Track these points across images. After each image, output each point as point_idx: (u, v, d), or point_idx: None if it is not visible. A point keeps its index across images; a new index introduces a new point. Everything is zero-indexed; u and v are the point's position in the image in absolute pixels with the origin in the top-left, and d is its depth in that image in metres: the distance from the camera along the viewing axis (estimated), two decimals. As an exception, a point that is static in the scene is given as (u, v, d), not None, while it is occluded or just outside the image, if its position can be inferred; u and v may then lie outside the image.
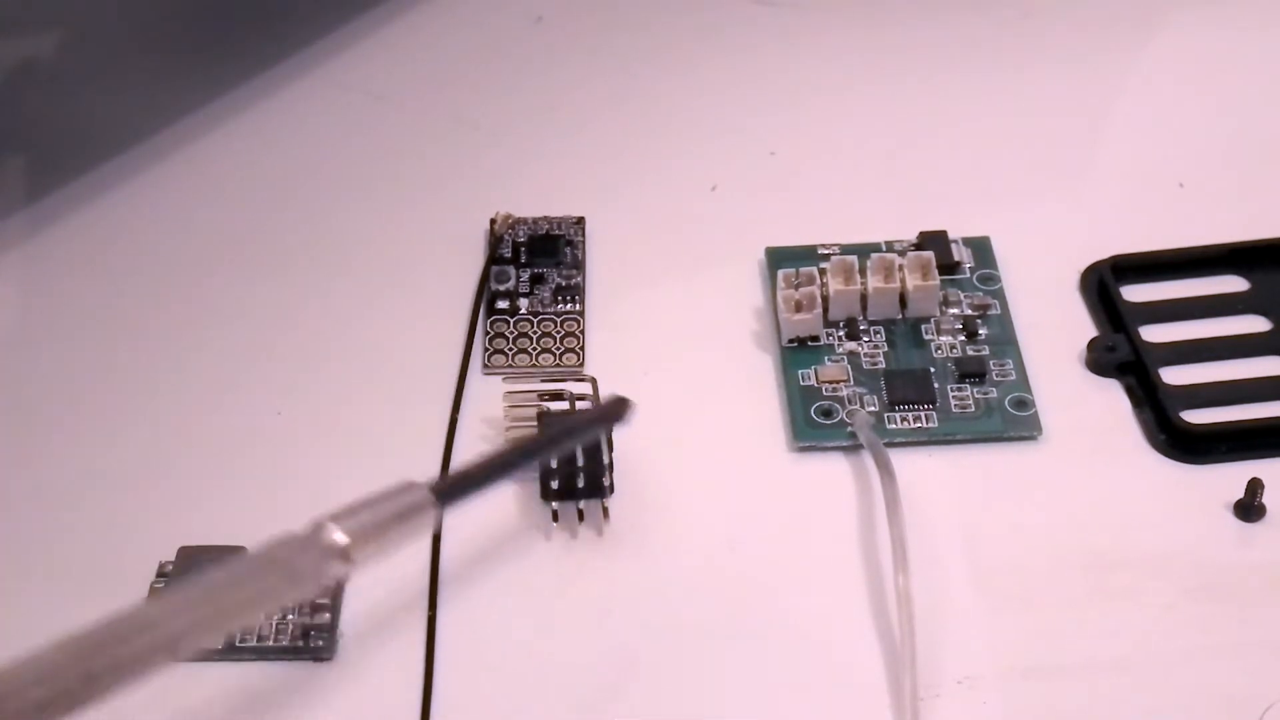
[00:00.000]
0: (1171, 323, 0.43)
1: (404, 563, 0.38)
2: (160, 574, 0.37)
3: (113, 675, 0.27)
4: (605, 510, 0.38)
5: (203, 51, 0.52)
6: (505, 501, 0.39)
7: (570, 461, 0.38)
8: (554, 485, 0.38)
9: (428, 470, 0.40)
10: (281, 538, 0.30)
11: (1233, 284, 0.44)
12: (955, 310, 0.43)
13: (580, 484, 0.38)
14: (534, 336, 0.43)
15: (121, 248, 0.46)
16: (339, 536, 0.30)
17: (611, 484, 0.38)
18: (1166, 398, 0.40)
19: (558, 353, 0.43)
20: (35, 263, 0.46)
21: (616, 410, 0.37)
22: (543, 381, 0.40)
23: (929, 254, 0.43)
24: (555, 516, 0.38)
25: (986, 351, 0.42)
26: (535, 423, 0.39)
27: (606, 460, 0.38)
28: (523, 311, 0.44)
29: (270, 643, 0.36)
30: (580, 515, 0.38)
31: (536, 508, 0.39)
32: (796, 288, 0.42)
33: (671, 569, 0.38)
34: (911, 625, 0.35)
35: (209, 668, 0.36)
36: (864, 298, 0.42)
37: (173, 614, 0.28)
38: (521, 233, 0.46)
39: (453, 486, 0.33)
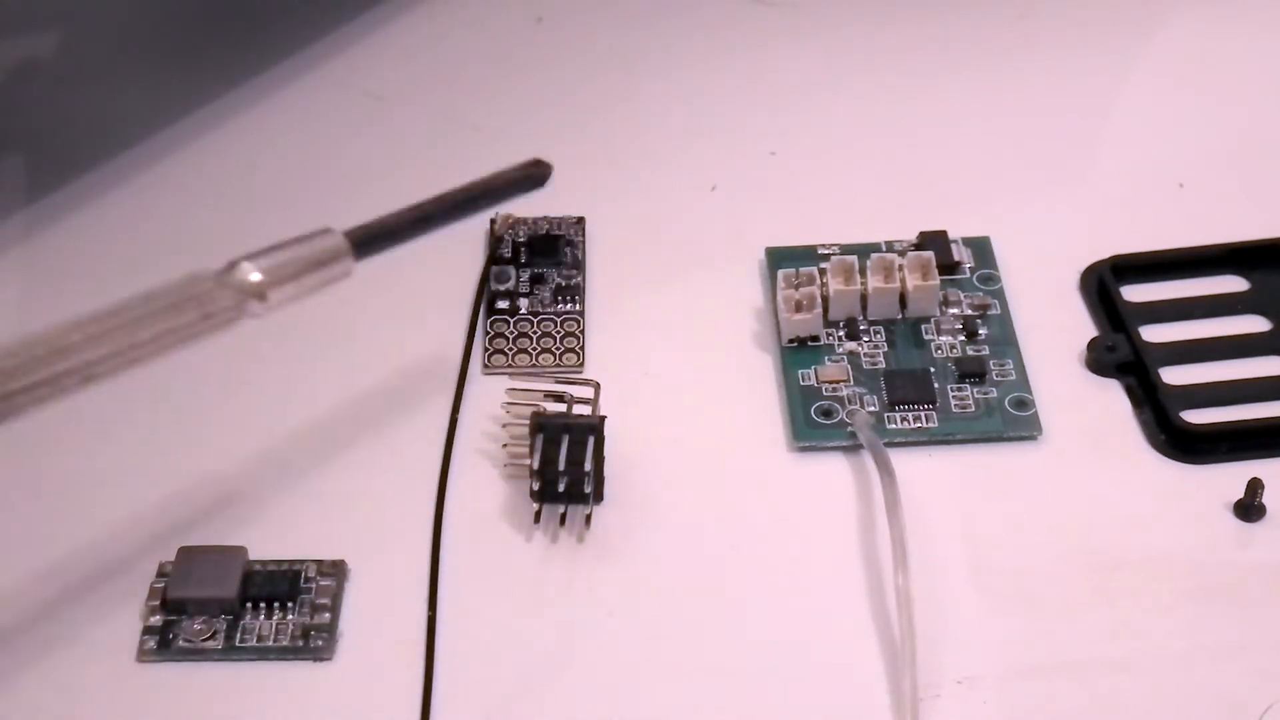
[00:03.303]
0: (1171, 323, 0.43)
1: (404, 563, 0.38)
2: (160, 574, 0.37)
3: (27, 395, 0.28)
4: (588, 518, 0.38)
5: (203, 51, 0.52)
6: (507, 503, 0.39)
7: (576, 467, 0.38)
8: (560, 488, 0.38)
9: (428, 471, 0.40)
10: (196, 273, 0.30)
11: (1233, 284, 0.44)
12: (955, 310, 0.43)
13: (585, 489, 0.38)
14: (534, 336, 0.43)
15: (121, 248, 0.46)
16: (255, 275, 0.30)
17: (600, 491, 0.39)
18: (1166, 398, 0.40)
19: (558, 353, 0.43)
20: (35, 263, 0.46)
21: (536, 172, 0.36)
22: (555, 382, 0.40)
23: (929, 254, 0.43)
24: (559, 519, 0.38)
25: (986, 351, 0.42)
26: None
27: (588, 467, 0.38)
28: (523, 311, 0.44)
29: (270, 643, 0.36)
30: (588, 520, 0.38)
31: (544, 511, 0.39)
32: (796, 288, 0.42)
33: (672, 569, 0.38)
34: (911, 625, 0.35)
35: (209, 668, 0.36)
36: (864, 298, 0.42)
37: (87, 341, 0.28)
38: (521, 233, 0.46)
39: (369, 235, 0.32)
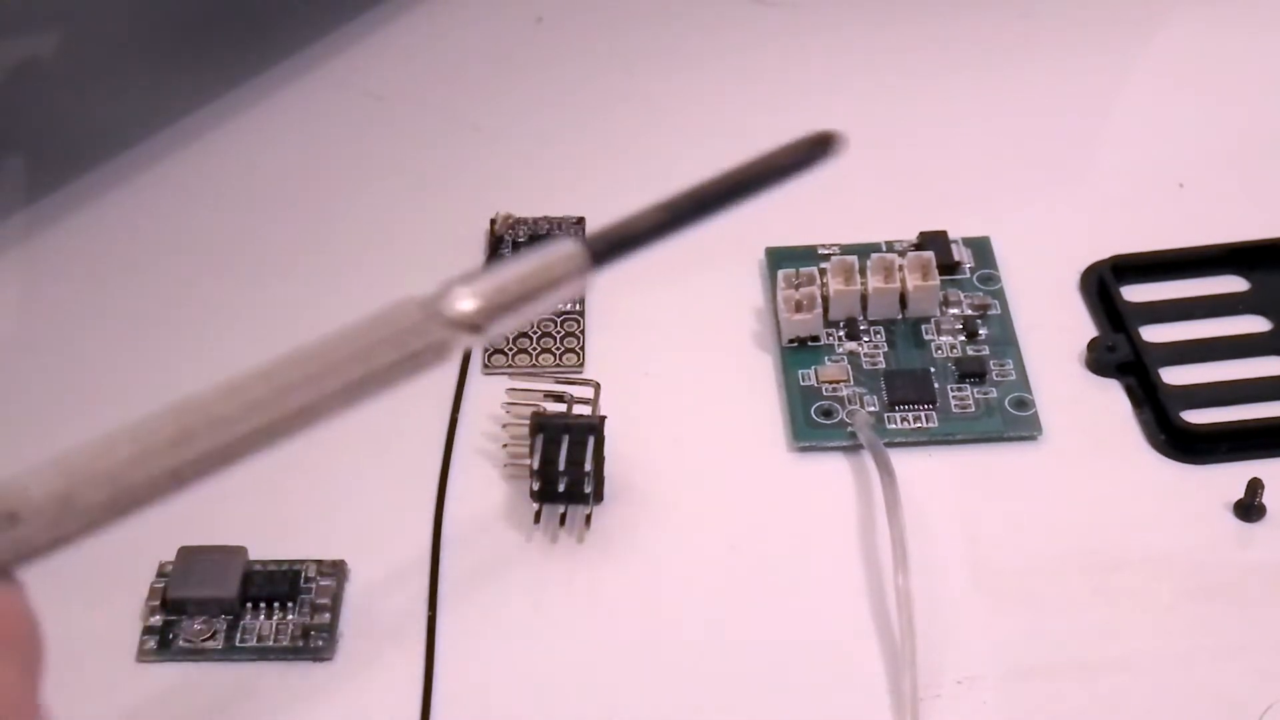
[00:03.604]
0: (1171, 323, 0.43)
1: (404, 563, 0.38)
2: (160, 574, 0.37)
3: (221, 456, 0.25)
4: (588, 518, 0.38)
5: (202, 52, 0.52)
6: (507, 503, 0.39)
7: (576, 467, 0.38)
8: (560, 488, 0.38)
9: (428, 471, 0.40)
10: (399, 303, 0.25)
11: (1233, 284, 0.44)
12: (955, 310, 0.43)
13: (585, 489, 0.38)
14: (534, 336, 0.43)
15: (121, 248, 0.46)
16: (466, 303, 0.25)
17: (600, 491, 0.39)
18: (1166, 398, 0.40)
19: (558, 353, 0.43)
20: (35, 263, 0.46)
21: (823, 144, 0.30)
22: (555, 382, 0.40)
23: (929, 254, 0.43)
24: (559, 519, 0.38)
25: (986, 351, 0.42)
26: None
27: (588, 467, 0.38)
28: (523, 311, 0.44)
29: (270, 643, 0.36)
30: (588, 520, 0.38)
31: (544, 511, 0.39)
32: (797, 288, 0.42)
33: (672, 569, 0.38)
34: (911, 625, 0.35)
35: (209, 668, 0.36)
36: (864, 298, 0.42)
37: (277, 397, 0.25)
38: (521, 233, 0.46)
39: (611, 243, 0.28)
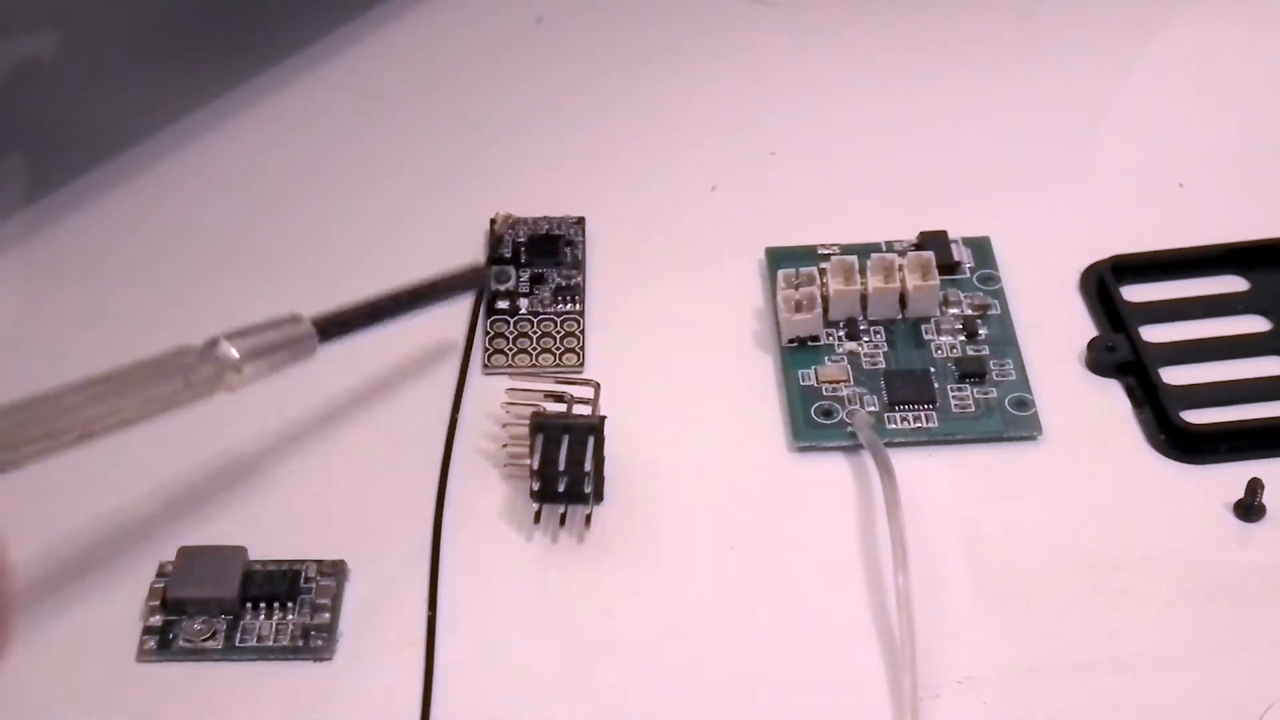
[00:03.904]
0: (1171, 323, 0.43)
1: (404, 563, 0.38)
2: (160, 574, 0.37)
3: (32, 448, 0.31)
4: (588, 518, 0.38)
5: (202, 51, 0.52)
6: (507, 503, 0.39)
7: (576, 467, 0.38)
8: (560, 488, 0.38)
9: (428, 471, 0.40)
10: (180, 348, 0.34)
11: (1233, 284, 0.44)
12: (955, 310, 0.43)
13: (585, 489, 0.38)
14: (534, 337, 0.43)
15: (121, 248, 0.46)
16: (232, 351, 0.34)
17: (600, 491, 0.39)
18: (1166, 398, 0.40)
19: (558, 353, 0.43)
20: (35, 263, 0.46)
21: (474, 276, 0.41)
22: (555, 382, 0.40)
23: (929, 254, 0.43)
24: (559, 519, 0.38)
25: (986, 351, 0.42)
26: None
27: (588, 467, 0.38)
28: (523, 311, 0.44)
29: (270, 643, 0.36)
30: (588, 520, 0.38)
31: (544, 511, 0.39)
32: (796, 288, 0.42)
33: (672, 569, 0.38)
34: (911, 625, 0.35)
35: (209, 668, 0.36)
36: (864, 298, 0.42)
37: (85, 401, 0.32)
38: (521, 233, 0.46)
39: (331, 324, 0.37)
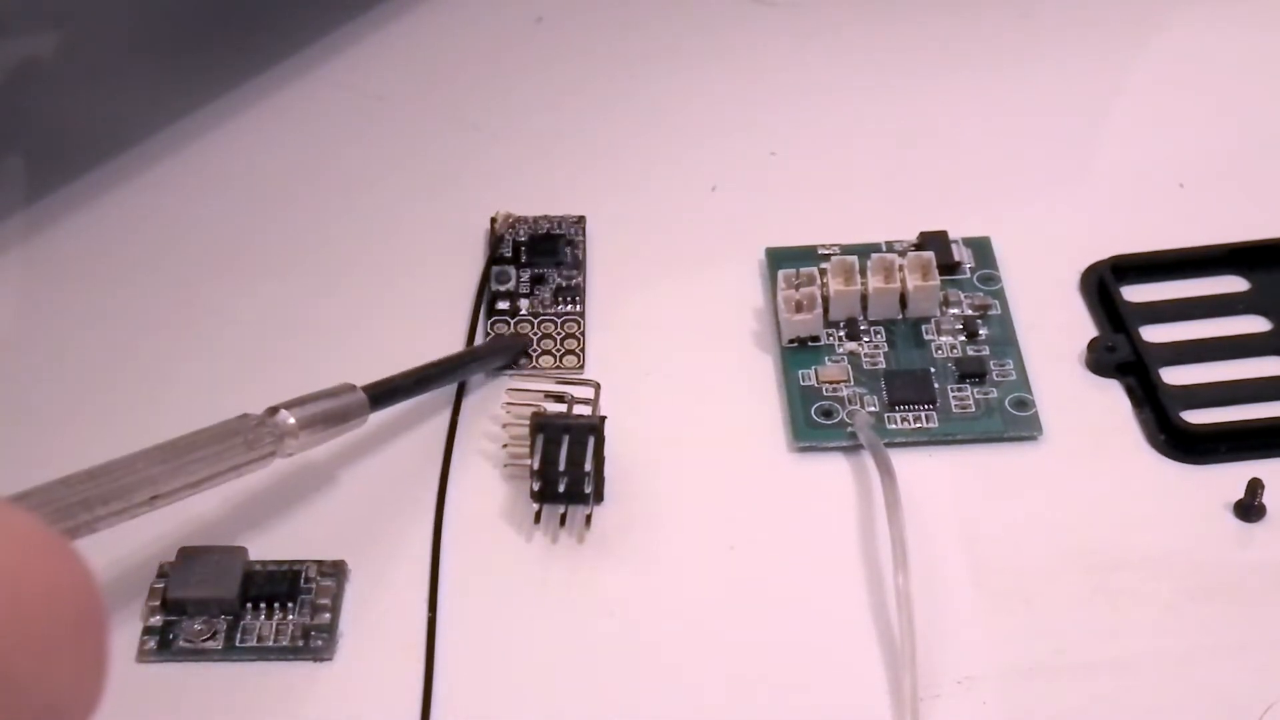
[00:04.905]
0: (1171, 323, 0.43)
1: (404, 563, 0.38)
2: (160, 574, 0.37)
3: (105, 508, 0.32)
4: (588, 518, 0.38)
5: (202, 51, 0.52)
6: (507, 503, 0.39)
7: (576, 467, 0.38)
8: (560, 488, 0.38)
9: (428, 471, 0.40)
10: (241, 417, 0.36)
11: (1233, 284, 0.44)
12: (955, 310, 0.43)
13: (585, 489, 0.38)
14: (534, 337, 0.43)
15: (121, 248, 0.46)
16: (290, 419, 0.36)
17: (600, 491, 0.39)
18: (1166, 398, 0.40)
19: (558, 353, 0.43)
20: (35, 263, 0.46)
21: (514, 342, 0.42)
22: (555, 382, 0.40)
23: (929, 254, 0.43)
24: (559, 519, 0.38)
25: (986, 351, 0.42)
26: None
27: (588, 468, 0.38)
28: (523, 312, 0.44)
29: (270, 643, 0.36)
30: (588, 520, 0.38)
31: (544, 511, 0.39)
32: (797, 288, 0.42)
33: (672, 569, 0.38)
34: (911, 625, 0.35)
35: (209, 668, 0.36)
36: (864, 298, 0.42)
37: (153, 466, 0.34)
38: (522, 232, 0.46)
39: (382, 393, 0.39)
